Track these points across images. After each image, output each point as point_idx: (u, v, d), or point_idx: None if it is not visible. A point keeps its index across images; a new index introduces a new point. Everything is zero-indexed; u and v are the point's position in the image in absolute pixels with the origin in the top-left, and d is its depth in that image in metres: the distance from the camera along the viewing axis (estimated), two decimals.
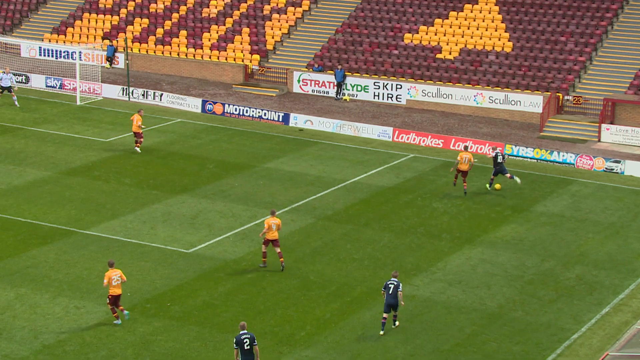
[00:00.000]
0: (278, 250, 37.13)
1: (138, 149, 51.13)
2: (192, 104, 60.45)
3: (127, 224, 41.51)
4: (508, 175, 46.30)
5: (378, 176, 48.86)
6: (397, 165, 50.49)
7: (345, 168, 49.92)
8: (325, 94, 64.39)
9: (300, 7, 70.08)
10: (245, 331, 28.52)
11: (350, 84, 63.62)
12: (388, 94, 62.67)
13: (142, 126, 51.18)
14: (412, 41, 65.34)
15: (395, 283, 32.59)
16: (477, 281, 36.65)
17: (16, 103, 59.30)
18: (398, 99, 62.49)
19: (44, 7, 76.61)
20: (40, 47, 70.90)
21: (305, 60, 66.59)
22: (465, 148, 47.55)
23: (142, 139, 51.30)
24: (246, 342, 28.31)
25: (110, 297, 32.49)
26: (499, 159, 46.21)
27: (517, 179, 46.68)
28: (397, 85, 62.34)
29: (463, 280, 36.72)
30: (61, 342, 31.33)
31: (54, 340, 31.45)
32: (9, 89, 59.23)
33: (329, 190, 46.46)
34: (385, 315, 32.65)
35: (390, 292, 32.40)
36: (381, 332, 32.62)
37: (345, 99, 63.55)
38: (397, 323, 33.15)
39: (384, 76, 63.71)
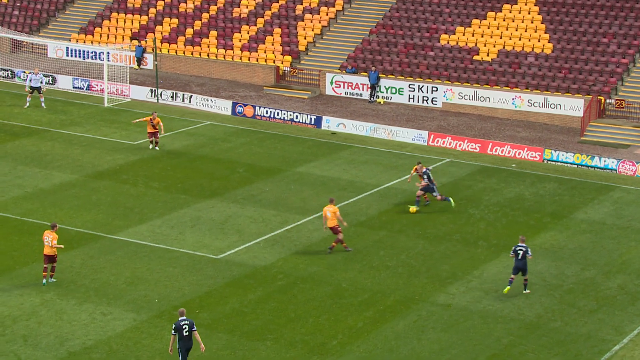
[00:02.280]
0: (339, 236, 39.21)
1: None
2: (222, 106, 60.05)
3: (155, 228, 41.24)
4: (439, 197, 43.90)
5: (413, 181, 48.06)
6: (432, 170, 49.73)
7: (378, 173, 49.50)
8: (358, 97, 63.86)
9: (334, 7, 69.54)
10: (185, 317, 29.51)
11: (385, 86, 63.01)
12: (423, 96, 62.05)
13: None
14: (448, 42, 64.61)
15: (524, 249, 35.37)
16: (514, 290, 36.01)
17: (43, 105, 59.12)
18: (434, 102, 61.85)
19: (71, 6, 76.39)
20: (67, 48, 70.76)
21: (338, 61, 66.08)
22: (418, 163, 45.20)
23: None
24: (185, 327, 29.30)
25: (44, 255, 35.53)
26: (426, 177, 44.04)
27: (451, 201, 44.49)
28: (432, 87, 61.72)
29: (500, 289, 36.15)
30: (87, 350, 31.17)
31: (80, 347, 31.29)
32: (39, 89, 58.97)
33: (362, 196, 46.06)
34: (513, 276, 35.55)
35: (519, 257, 35.32)
36: (505, 289, 35.55)
37: (379, 102, 63.03)
38: (527, 290, 35.73)
39: (419, 78, 63.03)
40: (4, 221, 41.53)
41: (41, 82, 59.09)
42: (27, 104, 58.60)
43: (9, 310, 33.45)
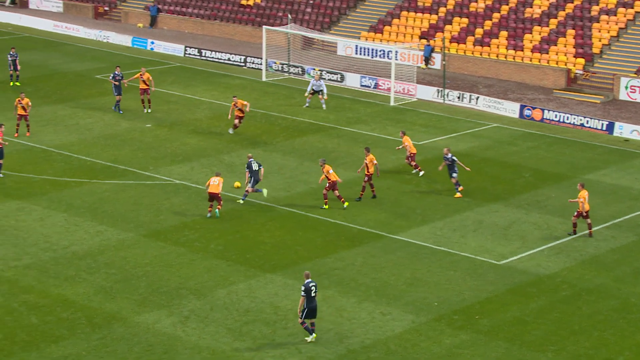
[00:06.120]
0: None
1: None
2: (510, 109, 58.89)
3: (436, 230, 40.82)
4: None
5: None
6: None
7: None
8: None
9: (632, 8, 66.86)
10: (311, 279, 31.04)
11: None
12: None
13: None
14: None
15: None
16: None
17: (323, 106, 58.98)
18: None
19: (362, 4, 77.15)
20: (356, 46, 71.35)
21: (635, 65, 63.59)
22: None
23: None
24: (313, 289, 30.81)
25: (209, 193, 40.61)
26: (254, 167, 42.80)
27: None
28: None
29: None
30: (366, 348, 31.24)
31: (358, 345, 31.41)
32: (319, 92, 58.96)
33: None
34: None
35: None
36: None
37: None
38: None
39: None
40: (290, 216, 42.19)
41: (321, 87, 59.15)
42: (307, 104, 59.11)
43: (292, 304, 33.86)
